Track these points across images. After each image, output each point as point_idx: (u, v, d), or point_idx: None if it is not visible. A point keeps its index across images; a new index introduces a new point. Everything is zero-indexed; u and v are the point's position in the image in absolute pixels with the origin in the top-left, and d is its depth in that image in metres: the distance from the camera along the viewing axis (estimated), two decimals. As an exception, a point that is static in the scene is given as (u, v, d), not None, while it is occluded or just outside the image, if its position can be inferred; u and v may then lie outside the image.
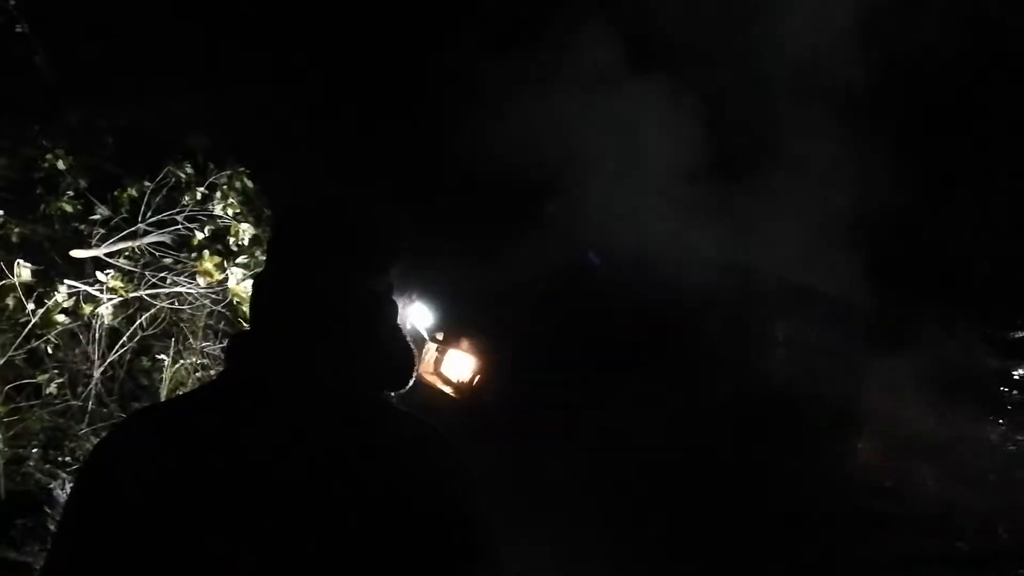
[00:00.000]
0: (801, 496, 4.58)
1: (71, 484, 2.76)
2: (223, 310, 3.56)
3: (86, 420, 3.29)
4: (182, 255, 3.49)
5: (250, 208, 3.66)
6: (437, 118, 5.12)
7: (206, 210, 3.54)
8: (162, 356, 3.47)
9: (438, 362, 2.06)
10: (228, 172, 3.61)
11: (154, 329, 3.46)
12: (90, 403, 3.29)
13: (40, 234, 3.54)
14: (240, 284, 3.28)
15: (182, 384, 3.46)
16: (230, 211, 3.54)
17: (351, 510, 0.94)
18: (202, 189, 3.56)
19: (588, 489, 3.91)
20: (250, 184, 3.65)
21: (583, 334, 4.17)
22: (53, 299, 3.06)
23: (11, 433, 2.98)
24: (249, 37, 4.94)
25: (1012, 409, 6.35)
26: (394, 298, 1.16)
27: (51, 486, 3.02)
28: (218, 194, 3.56)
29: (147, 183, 3.52)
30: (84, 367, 3.35)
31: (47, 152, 3.55)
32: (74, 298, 3.14)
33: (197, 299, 3.47)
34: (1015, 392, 6.56)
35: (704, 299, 4.37)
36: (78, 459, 3.16)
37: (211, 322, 3.67)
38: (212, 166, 3.62)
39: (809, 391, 4.69)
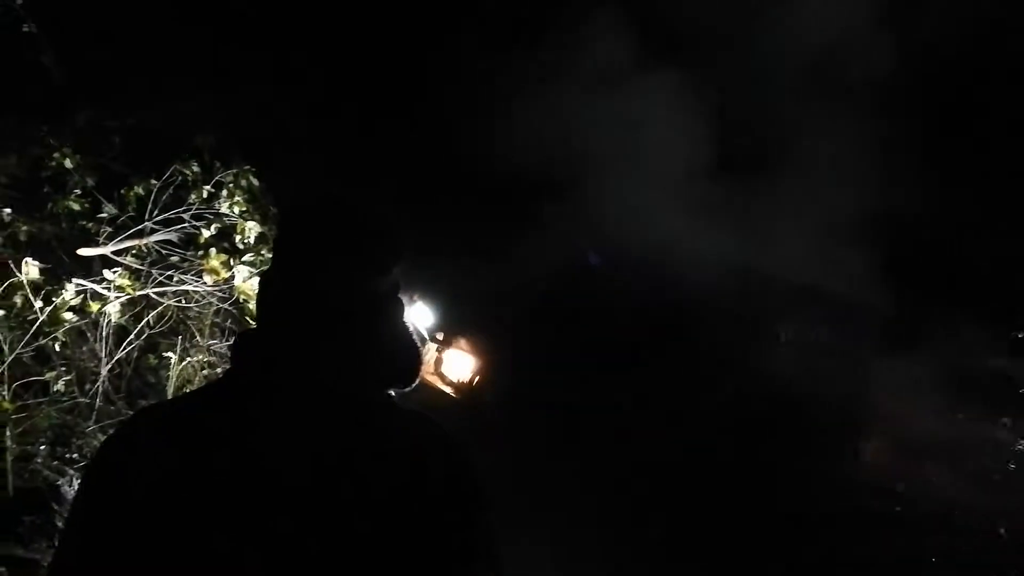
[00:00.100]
0: (802, 496, 4.57)
1: (78, 481, 2.78)
2: (230, 308, 3.56)
3: (93, 417, 3.29)
4: (189, 253, 3.49)
5: (256, 206, 3.65)
6: (438, 118, 5.13)
7: (212, 208, 3.54)
8: (169, 354, 3.47)
9: (438, 362, 2.08)
10: (234, 170, 3.61)
11: (161, 327, 3.46)
12: (97, 400, 3.30)
13: (48, 232, 3.56)
14: (246, 282, 3.28)
15: (189, 381, 3.47)
16: (236, 209, 3.55)
17: (357, 510, 0.94)
18: (208, 187, 3.56)
19: (588, 489, 3.91)
20: (256, 182, 3.65)
21: (583, 334, 4.18)
22: (61, 297, 3.07)
23: (19, 430, 2.98)
24: (253, 38, 4.95)
25: (1018, 409, 6.31)
26: (400, 296, 1.16)
27: (59, 483, 3.03)
28: (224, 192, 3.56)
29: (154, 182, 3.52)
30: (92, 364, 3.36)
31: (55, 151, 3.55)
32: (82, 296, 3.14)
33: (204, 297, 3.48)
34: (1022, 392, 6.51)
35: (704, 299, 4.37)
36: (85, 456, 3.17)
37: (218, 320, 3.67)
38: (218, 165, 3.62)
39: (813, 391, 4.68)
